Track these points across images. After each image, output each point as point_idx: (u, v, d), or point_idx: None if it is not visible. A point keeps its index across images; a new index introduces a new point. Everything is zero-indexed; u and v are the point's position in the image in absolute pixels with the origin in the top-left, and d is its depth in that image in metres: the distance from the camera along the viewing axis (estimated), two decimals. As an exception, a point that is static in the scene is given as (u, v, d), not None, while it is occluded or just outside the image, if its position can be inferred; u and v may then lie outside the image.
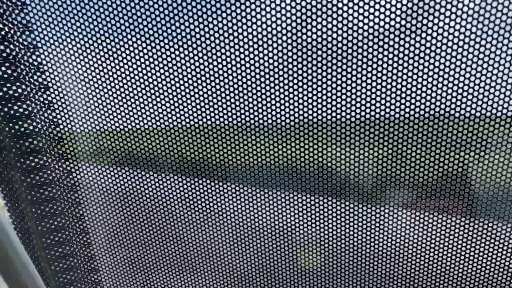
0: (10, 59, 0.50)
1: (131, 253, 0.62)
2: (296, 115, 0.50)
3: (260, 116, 0.50)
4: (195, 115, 0.52)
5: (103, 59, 0.51)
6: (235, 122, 0.52)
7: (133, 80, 0.51)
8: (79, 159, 0.56)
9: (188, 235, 0.59)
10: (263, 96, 0.50)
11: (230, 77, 0.49)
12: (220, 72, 0.49)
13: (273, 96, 0.50)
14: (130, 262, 0.62)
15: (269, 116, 0.50)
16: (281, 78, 0.49)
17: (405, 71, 0.46)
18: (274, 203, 0.55)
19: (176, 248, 0.60)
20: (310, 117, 0.50)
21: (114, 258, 0.62)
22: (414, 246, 0.55)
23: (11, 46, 0.51)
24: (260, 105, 0.50)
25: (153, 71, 0.50)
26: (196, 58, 0.49)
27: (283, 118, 0.50)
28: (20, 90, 0.51)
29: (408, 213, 0.53)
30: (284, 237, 0.58)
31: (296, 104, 0.49)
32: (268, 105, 0.50)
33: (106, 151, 0.55)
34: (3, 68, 0.51)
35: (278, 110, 0.50)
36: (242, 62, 0.48)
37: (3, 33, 0.49)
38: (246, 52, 0.47)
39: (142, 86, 0.51)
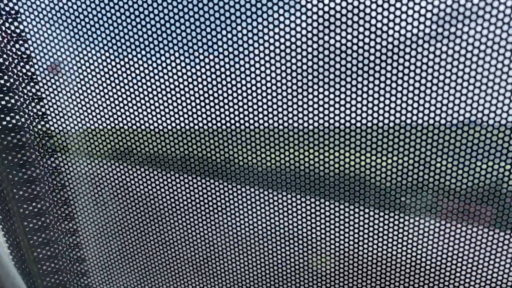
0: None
1: (118, 254, 0.58)
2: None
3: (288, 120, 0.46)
4: (195, 116, 0.48)
5: (93, 52, 0.47)
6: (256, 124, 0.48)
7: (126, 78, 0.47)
8: (66, 155, 0.53)
9: (180, 236, 0.55)
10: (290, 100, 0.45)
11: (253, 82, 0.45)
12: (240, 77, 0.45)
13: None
14: (117, 264, 0.59)
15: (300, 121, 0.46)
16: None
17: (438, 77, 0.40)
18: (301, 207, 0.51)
19: (168, 250, 0.56)
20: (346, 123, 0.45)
21: (103, 259, 0.59)
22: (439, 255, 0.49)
23: (-6, 35, 0.48)
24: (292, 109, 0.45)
25: (152, 69, 0.46)
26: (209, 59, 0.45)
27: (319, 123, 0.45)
28: (2, 82, 0.49)
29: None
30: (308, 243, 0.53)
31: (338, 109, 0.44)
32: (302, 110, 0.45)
33: (94, 147, 0.52)
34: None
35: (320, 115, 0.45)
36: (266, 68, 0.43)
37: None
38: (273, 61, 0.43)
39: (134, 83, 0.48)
